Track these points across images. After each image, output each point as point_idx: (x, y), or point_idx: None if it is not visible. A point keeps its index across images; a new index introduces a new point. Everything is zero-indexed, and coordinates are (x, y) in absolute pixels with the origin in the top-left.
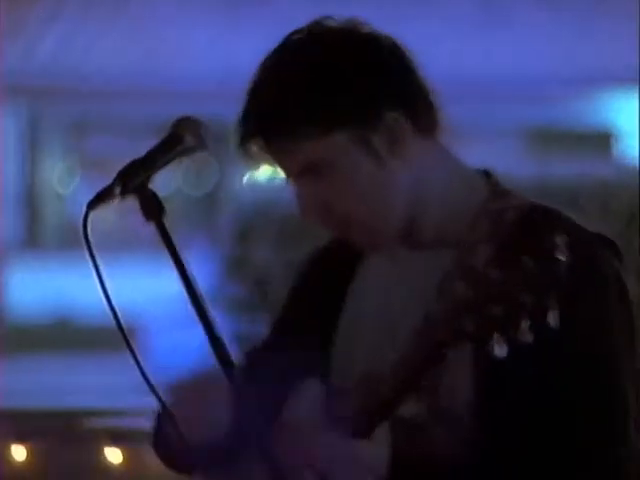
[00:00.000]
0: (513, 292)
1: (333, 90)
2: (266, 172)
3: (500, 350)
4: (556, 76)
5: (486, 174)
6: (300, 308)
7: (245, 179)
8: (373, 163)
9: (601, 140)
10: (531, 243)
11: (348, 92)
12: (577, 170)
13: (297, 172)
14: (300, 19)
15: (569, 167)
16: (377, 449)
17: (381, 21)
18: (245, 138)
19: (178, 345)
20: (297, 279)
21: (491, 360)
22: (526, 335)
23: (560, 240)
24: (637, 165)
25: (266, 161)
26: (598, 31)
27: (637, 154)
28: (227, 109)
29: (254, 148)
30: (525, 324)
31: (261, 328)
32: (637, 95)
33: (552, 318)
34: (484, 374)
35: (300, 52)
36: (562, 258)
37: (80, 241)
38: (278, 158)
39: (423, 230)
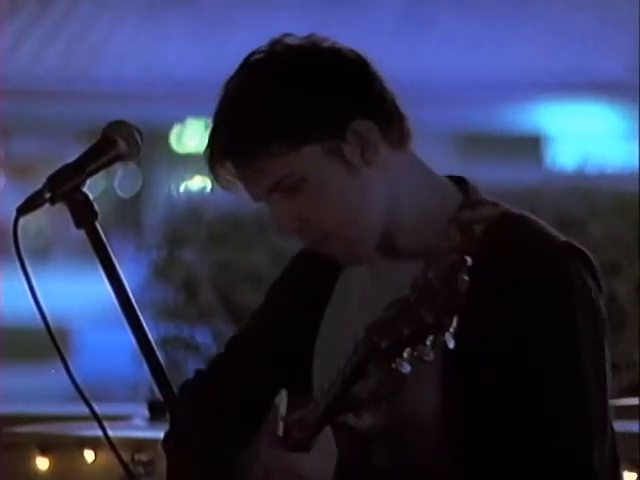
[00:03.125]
0: (417, 311)
1: (296, 104)
2: (197, 179)
3: (405, 367)
4: (484, 80)
5: (460, 181)
6: (283, 310)
7: (175, 185)
8: (346, 172)
9: (530, 145)
10: (503, 241)
11: (311, 105)
12: (505, 175)
13: (268, 190)
14: (224, 20)
15: (497, 172)
16: (321, 463)
17: (301, 27)
18: (213, 163)
19: (109, 348)
20: (283, 277)
21: (457, 370)
22: (429, 354)
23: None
24: (565, 171)
25: (236, 184)
26: (526, 35)
27: (565, 159)
28: (152, 111)
29: (222, 172)
30: (429, 343)
31: (189, 331)
32: (564, 100)
33: (449, 338)
34: (449, 383)
35: (260, 71)
36: (465, 278)
37: (9, 244)
38: (247, 179)
39: (399, 239)
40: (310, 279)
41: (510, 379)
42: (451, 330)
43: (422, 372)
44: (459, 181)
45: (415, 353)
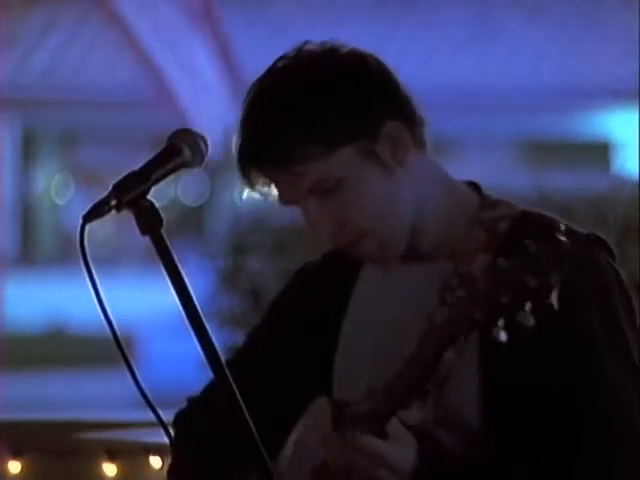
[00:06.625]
0: (518, 276)
1: (331, 108)
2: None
3: (503, 335)
4: (553, 87)
5: (473, 186)
6: (295, 325)
7: (240, 193)
8: (380, 172)
9: (598, 152)
10: (532, 232)
11: (346, 107)
12: (573, 182)
13: (306, 193)
14: (291, 29)
15: (565, 179)
16: (406, 452)
17: (372, 35)
18: (248, 167)
19: (174, 356)
20: (289, 294)
21: (496, 364)
22: (529, 319)
23: (560, 230)
24: (633, 177)
25: (268, 188)
26: (595, 43)
27: (634, 166)
28: None
29: (256, 176)
30: (528, 307)
31: None
32: (637, 107)
33: (554, 298)
34: (489, 378)
35: (291, 76)
36: (563, 239)
37: (75, 252)
38: (284, 183)
39: (423, 242)
40: (321, 295)
41: (548, 368)
42: (555, 292)
43: (463, 369)
44: (471, 184)
45: (517, 319)
